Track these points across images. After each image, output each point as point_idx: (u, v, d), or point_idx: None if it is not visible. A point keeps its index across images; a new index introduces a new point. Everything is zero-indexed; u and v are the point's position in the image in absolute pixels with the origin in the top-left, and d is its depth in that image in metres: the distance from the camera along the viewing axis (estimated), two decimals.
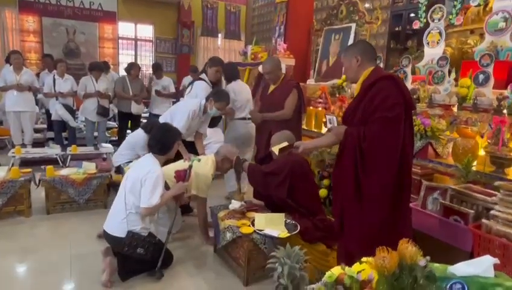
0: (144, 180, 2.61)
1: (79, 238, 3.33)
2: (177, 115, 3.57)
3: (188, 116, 3.53)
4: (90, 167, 4.03)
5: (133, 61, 10.53)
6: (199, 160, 3.02)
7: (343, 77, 4.80)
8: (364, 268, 1.22)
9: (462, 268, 1.19)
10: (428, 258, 1.16)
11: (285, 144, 2.40)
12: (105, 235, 2.74)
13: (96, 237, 3.29)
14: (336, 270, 1.23)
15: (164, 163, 3.09)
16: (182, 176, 2.90)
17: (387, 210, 2.04)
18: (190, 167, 2.90)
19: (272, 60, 3.93)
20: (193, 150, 3.81)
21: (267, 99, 3.94)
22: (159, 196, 2.64)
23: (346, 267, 1.23)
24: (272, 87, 3.94)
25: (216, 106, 3.57)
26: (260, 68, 4.91)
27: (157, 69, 6.64)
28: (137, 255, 2.62)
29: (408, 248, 1.11)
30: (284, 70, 4.92)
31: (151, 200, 2.60)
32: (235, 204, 2.97)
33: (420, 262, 1.13)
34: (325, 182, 3.80)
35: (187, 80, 6.57)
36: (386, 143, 2.03)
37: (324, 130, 4.49)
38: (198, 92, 3.98)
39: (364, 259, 1.21)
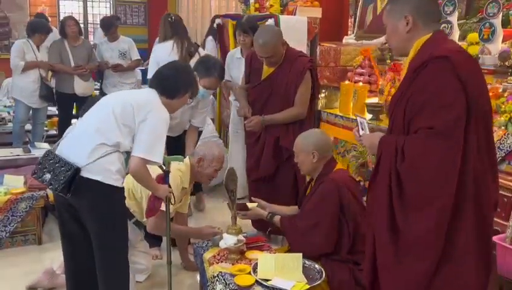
0: (142, 121, 2.64)
1: None
2: None
3: None
4: (15, 183, 4.05)
5: (81, 10, 10.48)
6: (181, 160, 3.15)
7: None
8: None
9: None
10: None
11: None
12: None
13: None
14: None
15: None
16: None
17: (434, 265, 2.03)
18: (167, 172, 2.98)
19: (271, 33, 3.66)
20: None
21: (262, 89, 3.81)
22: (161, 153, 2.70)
23: None
24: (267, 70, 3.78)
25: (203, 84, 3.57)
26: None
27: (109, 25, 6.44)
28: None
29: None
30: (304, 26, 4.90)
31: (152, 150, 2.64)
32: (228, 240, 2.97)
33: None
34: None
35: None
36: (436, 165, 1.97)
37: (368, 116, 4.45)
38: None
39: None
